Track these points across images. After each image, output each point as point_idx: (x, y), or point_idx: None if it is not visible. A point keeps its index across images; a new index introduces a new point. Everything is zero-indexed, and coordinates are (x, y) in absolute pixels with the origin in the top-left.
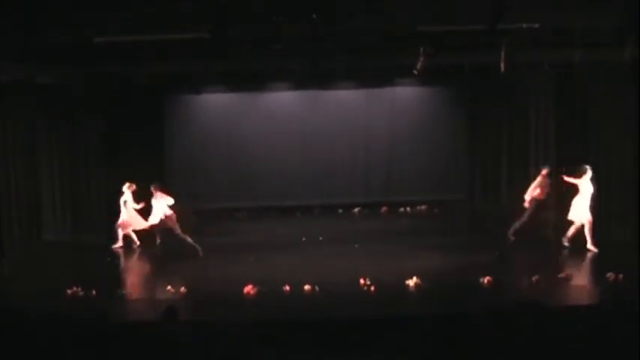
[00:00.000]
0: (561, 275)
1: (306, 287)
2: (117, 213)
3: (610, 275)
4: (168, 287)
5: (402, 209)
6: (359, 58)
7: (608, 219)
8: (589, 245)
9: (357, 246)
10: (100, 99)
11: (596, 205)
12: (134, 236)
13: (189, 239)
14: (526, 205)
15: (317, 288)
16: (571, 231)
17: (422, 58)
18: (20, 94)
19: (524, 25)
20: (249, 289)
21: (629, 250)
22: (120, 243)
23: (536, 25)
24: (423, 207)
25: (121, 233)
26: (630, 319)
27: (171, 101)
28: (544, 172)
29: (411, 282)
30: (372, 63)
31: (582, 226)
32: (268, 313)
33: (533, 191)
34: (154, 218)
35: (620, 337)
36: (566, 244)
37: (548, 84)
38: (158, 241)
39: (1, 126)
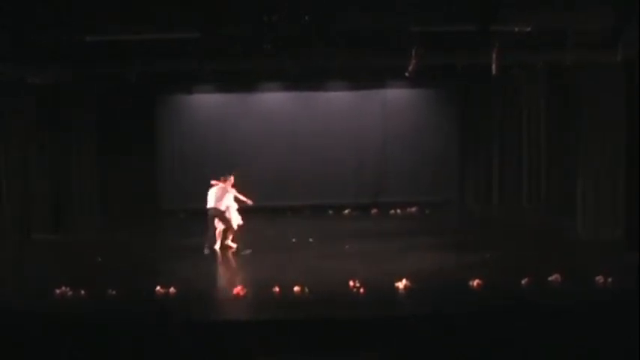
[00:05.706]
0: (551, 278)
1: (296, 288)
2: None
3: (599, 278)
4: (158, 288)
5: (392, 211)
6: (351, 59)
7: (601, 218)
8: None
9: (347, 247)
10: (92, 98)
11: (589, 205)
12: None
13: None
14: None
15: (307, 289)
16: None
17: (414, 60)
18: (11, 94)
19: (516, 28)
20: (238, 290)
21: (621, 249)
22: None
23: (529, 27)
24: (414, 208)
25: None
26: (624, 321)
27: (162, 101)
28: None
29: (401, 284)
30: (363, 64)
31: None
32: (258, 314)
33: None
34: None
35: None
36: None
37: (541, 85)
38: None
39: None
